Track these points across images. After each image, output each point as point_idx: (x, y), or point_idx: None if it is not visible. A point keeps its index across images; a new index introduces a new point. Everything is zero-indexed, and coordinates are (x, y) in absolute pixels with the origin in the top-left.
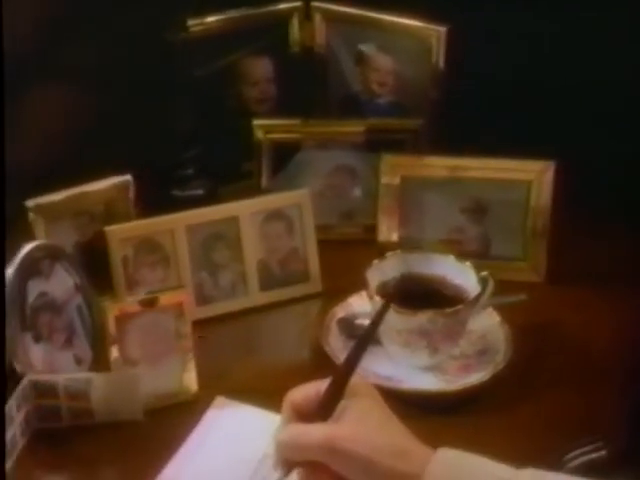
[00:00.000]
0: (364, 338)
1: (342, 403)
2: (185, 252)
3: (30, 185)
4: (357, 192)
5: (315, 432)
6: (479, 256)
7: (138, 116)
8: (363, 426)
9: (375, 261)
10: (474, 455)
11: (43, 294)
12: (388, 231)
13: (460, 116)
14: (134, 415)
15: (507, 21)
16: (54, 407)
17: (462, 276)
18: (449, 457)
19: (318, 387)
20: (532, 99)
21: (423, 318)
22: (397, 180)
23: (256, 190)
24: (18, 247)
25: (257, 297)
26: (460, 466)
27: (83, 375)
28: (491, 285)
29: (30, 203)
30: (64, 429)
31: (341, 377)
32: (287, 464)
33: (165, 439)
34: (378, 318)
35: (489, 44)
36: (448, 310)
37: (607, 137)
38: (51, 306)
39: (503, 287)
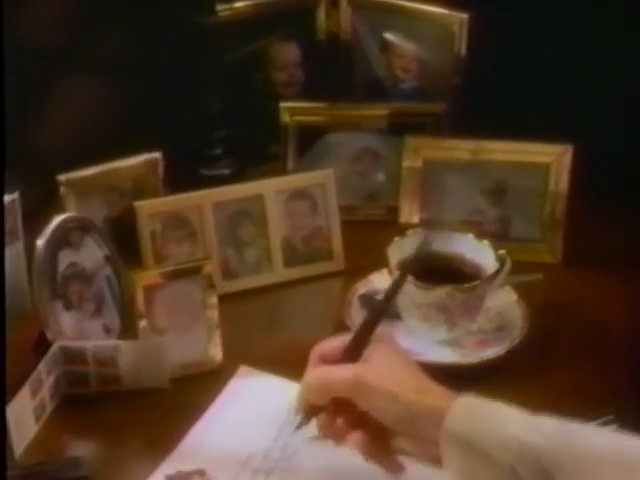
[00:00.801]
0: (392, 288)
1: (367, 350)
2: (212, 228)
3: (63, 161)
4: (380, 174)
5: (343, 369)
6: (498, 237)
7: (169, 97)
8: (388, 366)
9: (396, 238)
10: (493, 401)
11: (73, 264)
12: (410, 213)
13: (481, 101)
14: (160, 383)
15: (526, 9)
16: (83, 373)
17: (480, 254)
18: (469, 401)
19: (344, 339)
20: (550, 84)
21: (442, 292)
22: (419, 163)
23: (282, 172)
24: (50, 220)
25: (281, 273)
26: (481, 409)
27: (111, 342)
28: (508, 263)
29: (62, 178)
30: (92, 395)
31: (368, 325)
32: (309, 410)
33: (190, 406)
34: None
35: (509, 31)
36: (466, 285)
37: (623, 121)
38: (81, 276)
39: (521, 268)
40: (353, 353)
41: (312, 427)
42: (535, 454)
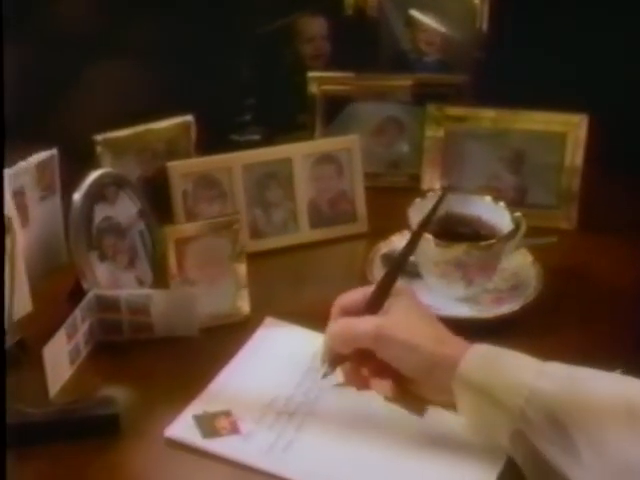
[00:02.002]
0: (409, 245)
1: (387, 302)
2: (241, 189)
3: (101, 122)
4: (404, 143)
5: (365, 321)
6: (515, 204)
7: (202, 66)
8: (407, 318)
9: (417, 199)
10: (506, 349)
11: (108, 218)
12: (431, 180)
13: (501, 73)
14: (190, 331)
15: None
16: (116, 321)
17: (497, 216)
18: (483, 348)
19: (365, 291)
20: (568, 56)
21: (459, 250)
22: (441, 132)
23: (309, 140)
24: (87, 175)
25: (307, 234)
26: (493, 356)
27: (144, 291)
28: (524, 225)
29: (98, 137)
30: (125, 342)
31: (388, 278)
32: (334, 359)
33: (217, 354)
34: (426, 220)
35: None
36: (483, 243)
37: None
38: (115, 229)
39: (536, 232)
40: (374, 305)
41: (337, 375)
42: (544, 399)
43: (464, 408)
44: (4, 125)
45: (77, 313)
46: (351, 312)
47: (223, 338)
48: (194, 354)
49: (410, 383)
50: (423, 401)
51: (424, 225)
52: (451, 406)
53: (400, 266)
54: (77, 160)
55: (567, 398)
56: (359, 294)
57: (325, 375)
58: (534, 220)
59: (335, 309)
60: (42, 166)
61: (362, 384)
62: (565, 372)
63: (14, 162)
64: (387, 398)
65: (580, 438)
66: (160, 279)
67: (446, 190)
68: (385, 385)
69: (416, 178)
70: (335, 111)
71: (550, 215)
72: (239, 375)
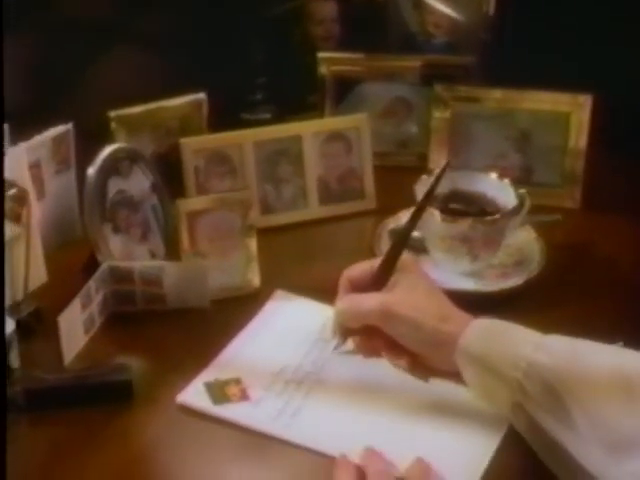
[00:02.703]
0: (413, 218)
1: (393, 277)
2: (251, 165)
3: (116, 99)
4: (412, 123)
5: (371, 299)
6: (521, 182)
7: (215, 46)
8: (412, 294)
9: (423, 176)
10: (507, 322)
11: (122, 191)
12: (439, 159)
13: (507, 55)
14: (201, 303)
15: None
16: (129, 292)
17: (501, 193)
18: (485, 322)
19: (372, 264)
20: (571, 38)
21: (464, 225)
22: (448, 112)
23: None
24: (101, 150)
25: (316, 210)
26: (494, 329)
27: (157, 263)
28: (528, 201)
29: (113, 114)
30: (138, 313)
31: (394, 252)
32: (344, 332)
33: (228, 325)
34: (430, 192)
35: None
36: (487, 218)
37: None
38: (129, 203)
39: (541, 211)
40: (380, 280)
41: (348, 345)
42: (541, 372)
43: (468, 379)
44: (4, 124)
45: (91, 284)
46: (358, 284)
47: (234, 310)
48: (205, 325)
49: (417, 356)
50: (431, 372)
51: (428, 197)
52: (458, 377)
53: (405, 239)
54: (92, 136)
55: (565, 370)
56: (366, 267)
57: (337, 347)
58: (539, 199)
59: (343, 281)
60: (58, 140)
61: (373, 354)
62: (564, 345)
63: (31, 136)
64: (397, 366)
65: (576, 409)
66: (172, 252)
67: (449, 162)
68: (398, 357)
69: (424, 157)
70: (344, 91)
71: (555, 194)
72: (249, 345)
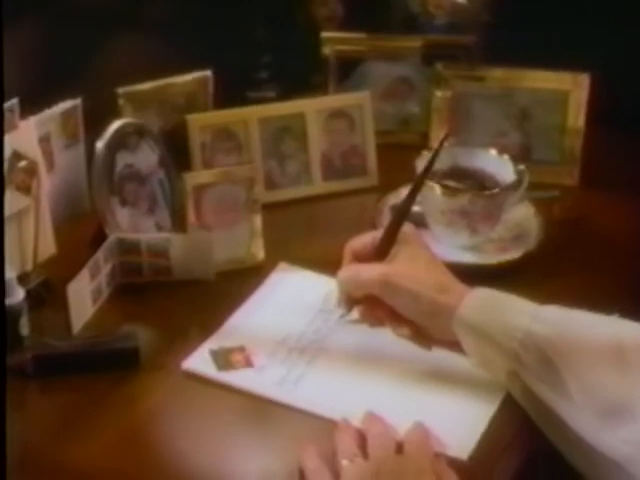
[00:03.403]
0: (414, 188)
1: (394, 248)
2: (256, 142)
3: (125, 75)
4: (414, 102)
5: (371, 269)
6: (520, 160)
7: (221, 25)
8: (412, 266)
9: (424, 152)
10: (505, 293)
11: (129, 165)
12: (438, 139)
13: (507, 35)
14: (207, 274)
15: None
16: (137, 264)
17: (500, 168)
18: (482, 292)
19: (374, 235)
20: (573, 19)
21: (464, 199)
22: (449, 91)
23: None
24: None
25: (319, 186)
26: (491, 300)
27: (163, 235)
28: (527, 177)
29: (120, 90)
30: (144, 284)
31: (394, 224)
32: (349, 301)
33: (233, 296)
34: (430, 162)
35: None
36: (486, 192)
37: None
38: (136, 176)
39: (540, 187)
40: (381, 251)
41: (353, 314)
42: (537, 342)
43: (466, 348)
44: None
45: (99, 255)
46: (361, 255)
47: (238, 282)
48: (210, 296)
49: (417, 325)
50: (431, 341)
51: (428, 168)
52: (456, 346)
53: (406, 211)
54: (101, 113)
55: (560, 340)
56: (368, 238)
57: (342, 316)
58: (537, 176)
59: (347, 252)
60: (67, 115)
61: (377, 322)
62: (560, 315)
63: (40, 110)
64: (399, 335)
65: (570, 378)
66: (178, 225)
67: (448, 133)
68: (401, 326)
69: (426, 136)
70: (347, 71)
71: (553, 171)
72: (253, 314)
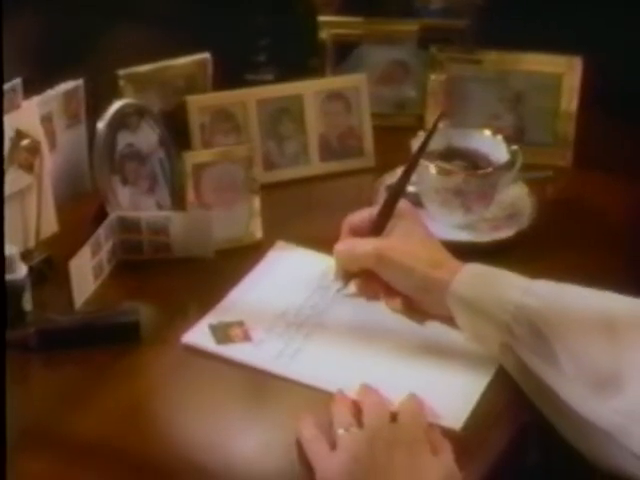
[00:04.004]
0: (410, 166)
1: (391, 223)
2: (255, 123)
3: (125, 57)
4: (409, 85)
5: (367, 243)
6: (514, 142)
7: (219, 8)
8: (407, 241)
9: (420, 132)
10: (497, 268)
11: (130, 145)
12: (434, 121)
13: (502, 19)
14: (206, 252)
15: None
16: (137, 241)
17: (494, 149)
18: (476, 268)
19: (372, 211)
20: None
21: (458, 178)
22: (444, 74)
23: None
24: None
25: (317, 167)
26: (484, 275)
27: (163, 213)
28: (520, 157)
29: (121, 72)
30: (145, 261)
31: (391, 200)
32: (346, 275)
33: (231, 273)
34: (426, 140)
35: None
36: (480, 172)
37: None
38: (137, 156)
39: (533, 168)
40: (378, 227)
41: (350, 288)
42: (528, 315)
43: (460, 322)
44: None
45: (100, 232)
46: (358, 230)
47: (237, 259)
48: (209, 273)
49: (411, 299)
50: (426, 315)
51: (423, 147)
52: (450, 320)
53: (402, 187)
54: (102, 94)
55: (551, 313)
56: (366, 214)
57: (339, 289)
58: (531, 157)
59: (344, 228)
60: (69, 95)
61: (373, 296)
62: (551, 289)
63: (43, 90)
64: (393, 309)
65: (561, 350)
66: (178, 205)
67: (443, 112)
68: (394, 299)
69: (421, 119)
70: (344, 54)
71: (547, 153)
72: (251, 291)
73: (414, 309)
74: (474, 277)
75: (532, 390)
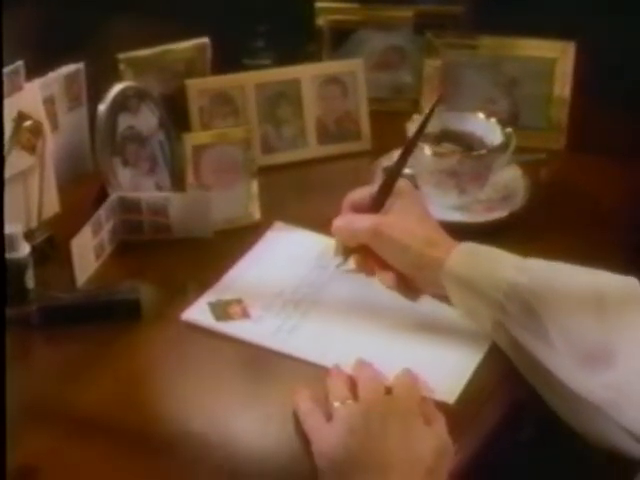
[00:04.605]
0: (410, 144)
1: (390, 201)
2: (253, 106)
3: (125, 41)
4: (405, 70)
5: (364, 219)
6: (508, 126)
7: None
8: (404, 218)
9: (415, 115)
10: (491, 247)
11: (131, 127)
12: (430, 104)
13: (497, 4)
14: (205, 233)
15: None
16: (137, 222)
17: (488, 131)
18: (470, 247)
19: (372, 189)
20: None
21: (453, 160)
22: (439, 59)
23: None
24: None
25: (315, 150)
26: (478, 254)
27: (163, 194)
28: (514, 139)
29: (121, 56)
30: (145, 241)
31: (389, 179)
32: (345, 251)
33: (230, 253)
34: (424, 122)
35: None
36: (474, 153)
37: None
38: (137, 138)
39: (527, 151)
40: (376, 204)
41: (349, 264)
42: (520, 293)
43: (453, 299)
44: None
45: (101, 212)
46: (358, 207)
47: (235, 240)
48: (209, 253)
49: (406, 277)
50: (419, 292)
51: (421, 128)
52: (444, 298)
53: (401, 166)
54: (103, 78)
55: (543, 290)
56: (366, 191)
57: (339, 265)
58: (525, 140)
59: (345, 204)
60: (70, 78)
61: (370, 272)
62: (543, 267)
63: (45, 73)
64: (386, 285)
65: (552, 326)
66: (178, 186)
67: (441, 96)
68: (387, 275)
69: (417, 103)
70: (341, 40)
71: (540, 136)
72: (250, 270)
73: (407, 286)
74: (468, 256)
75: (524, 366)
